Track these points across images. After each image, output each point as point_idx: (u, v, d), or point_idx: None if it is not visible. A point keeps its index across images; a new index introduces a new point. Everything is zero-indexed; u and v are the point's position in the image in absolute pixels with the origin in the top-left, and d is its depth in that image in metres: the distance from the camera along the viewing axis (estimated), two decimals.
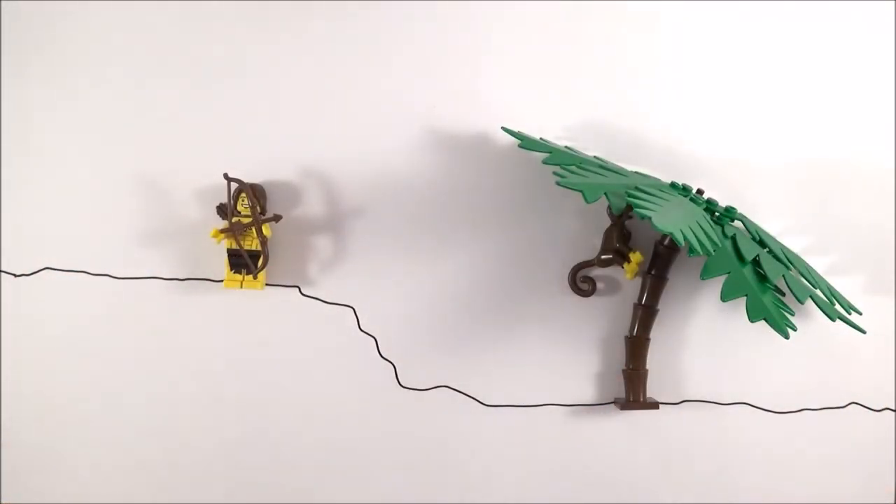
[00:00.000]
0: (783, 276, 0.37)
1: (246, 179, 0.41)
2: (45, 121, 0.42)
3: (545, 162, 0.38)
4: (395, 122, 0.43)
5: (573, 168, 0.36)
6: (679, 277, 0.43)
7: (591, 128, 0.43)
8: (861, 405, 0.43)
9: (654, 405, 0.42)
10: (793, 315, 0.35)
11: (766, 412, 0.43)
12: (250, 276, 0.41)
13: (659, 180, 0.41)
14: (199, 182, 0.42)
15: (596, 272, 0.43)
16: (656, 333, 0.42)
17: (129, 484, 0.42)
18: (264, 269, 0.41)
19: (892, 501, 0.44)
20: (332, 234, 0.43)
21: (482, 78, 0.43)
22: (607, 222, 0.42)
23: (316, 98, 0.43)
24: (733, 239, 0.37)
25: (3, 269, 0.42)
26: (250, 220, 0.40)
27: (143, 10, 0.42)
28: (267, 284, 0.42)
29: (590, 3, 0.43)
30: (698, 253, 0.32)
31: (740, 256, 0.36)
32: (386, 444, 0.42)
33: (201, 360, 0.42)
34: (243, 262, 0.41)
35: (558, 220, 0.43)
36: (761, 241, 0.40)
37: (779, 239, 0.43)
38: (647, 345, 0.42)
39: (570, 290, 0.43)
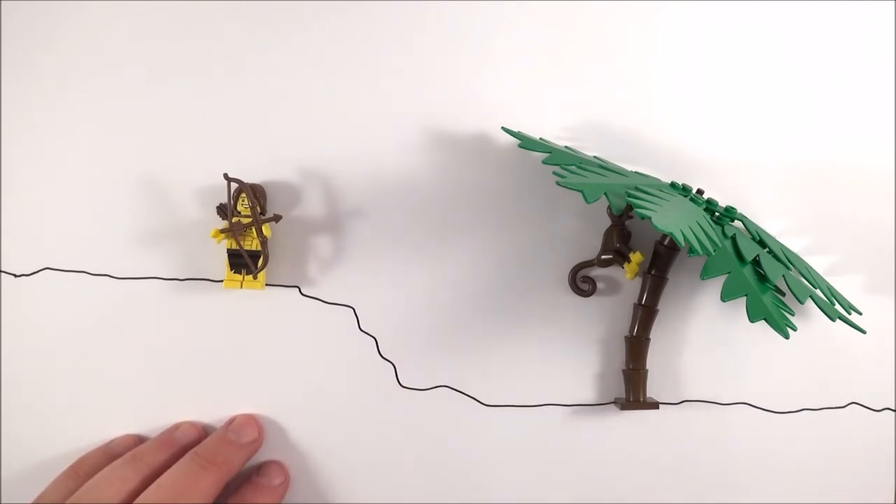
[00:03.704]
0: (783, 276, 0.37)
1: (246, 179, 0.41)
2: (45, 121, 0.42)
3: (545, 162, 0.38)
4: (395, 121, 0.43)
5: (573, 168, 0.36)
6: (679, 277, 0.43)
7: (591, 128, 0.43)
8: (861, 405, 0.43)
9: (654, 405, 0.42)
10: (793, 315, 0.35)
11: (766, 412, 0.43)
12: (250, 276, 0.41)
13: (659, 180, 0.41)
14: (199, 182, 0.42)
15: (596, 272, 0.43)
16: (656, 333, 0.42)
17: None
18: (264, 269, 0.41)
19: (893, 501, 0.44)
20: (332, 234, 0.43)
21: (482, 78, 0.43)
22: (607, 222, 0.42)
23: (316, 98, 0.43)
24: (733, 239, 0.37)
25: (3, 269, 0.42)
26: (250, 220, 0.40)
27: (143, 10, 0.42)
28: (267, 284, 0.42)
29: (590, 4, 0.43)
30: (698, 253, 0.32)
31: (740, 256, 0.36)
32: (386, 444, 0.42)
33: (201, 360, 0.42)
34: (243, 262, 0.41)
35: (558, 220, 0.43)
36: (761, 241, 0.40)
37: (779, 239, 0.43)
38: (647, 345, 0.42)
39: (570, 290, 0.43)
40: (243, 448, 0.40)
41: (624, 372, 0.42)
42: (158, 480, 0.36)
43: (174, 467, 0.37)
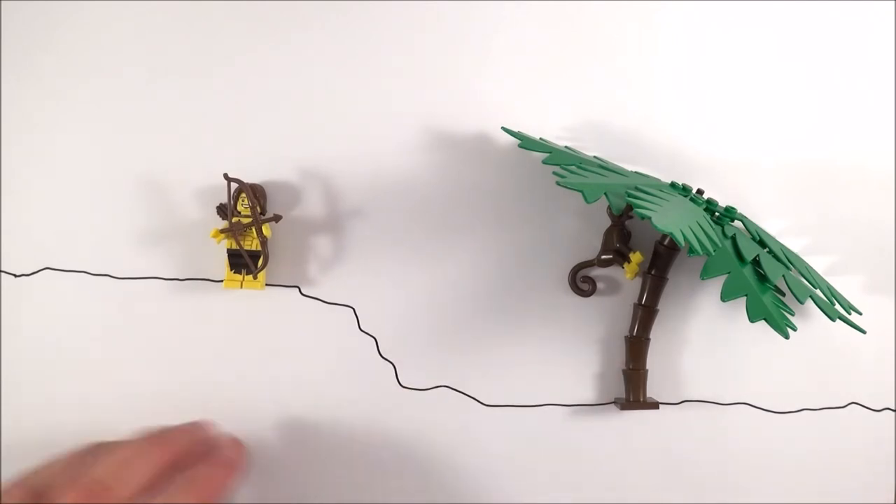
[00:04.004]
0: (783, 276, 0.37)
1: (246, 179, 0.41)
2: (45, 121, 0.42)
3: (545, 162, 0.38)
4: (396, 121, 0.43)
5: (573, 168, 0.36)
6: (679, 277, 0.43)
7: (591, 128, 0.43)
8: (861, 405, 0.43)
9: (654, 405, 0.42)
10: (793, 315, 0.35)
11: (766, 412, 0.43)
12: (250, 276, 0.41)
13: (659, 180, 0.41)
14: (199, 182, 0.42)
15: (596, 272, 0.43)
16: (656, 333, 0.42)
17: None
18: (264, 269, 0.41)
19: (893, 501, 0.44)
20: (332, 234, 0.43)
21: (482, 78, 0.43)
22: (607, 222, 0.42)
23: (316, 98, 0.43)
24: (733, 239, 0.37)
25: (3, 269, 0.42)
26: (250, 220, 0.40)
27: (143, 10, 0.42)
28: (267, 284, 0.42)
29: (590, 4, 0.43)
30: (698, 253, 0.32)
31: (740, 256, 0.36)
32: (386, 444, 0.42)
33: (201, 360, 0.42)
34: (243, 262, 0.41)
35: (558, 220, 0.43)
36: (761, 241, 0.40)
37: (779, 239, 0.43)
38: (647, 345, 0.42)
39: (570, 290, 0.43)
40: (190, 431, 0.38)
41: (624, 372, 0.42)
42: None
43: (125, 443, 0.35)
